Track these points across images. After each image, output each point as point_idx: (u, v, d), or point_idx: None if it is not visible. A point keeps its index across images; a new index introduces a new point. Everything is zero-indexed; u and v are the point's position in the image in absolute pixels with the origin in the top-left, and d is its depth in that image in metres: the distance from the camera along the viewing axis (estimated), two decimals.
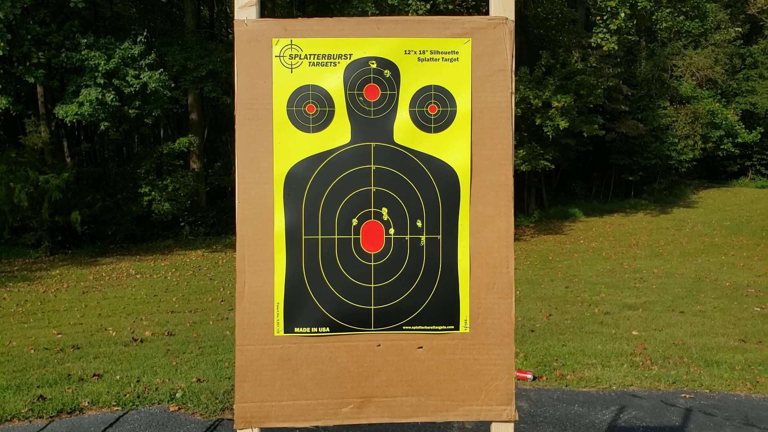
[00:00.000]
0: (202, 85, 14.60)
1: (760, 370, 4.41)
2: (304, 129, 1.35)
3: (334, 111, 1.35)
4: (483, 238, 1.36)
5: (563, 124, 15.09)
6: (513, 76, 1.37)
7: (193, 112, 16.48)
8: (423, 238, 1.35)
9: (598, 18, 14.71)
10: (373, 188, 1.35)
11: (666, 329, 6.17)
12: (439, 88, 1.35)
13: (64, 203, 14.76)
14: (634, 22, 14.98)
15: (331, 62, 1.35)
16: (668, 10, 15.63)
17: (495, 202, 1.36)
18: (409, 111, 1.35)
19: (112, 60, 13.21)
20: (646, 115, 21.92)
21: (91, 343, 6.04)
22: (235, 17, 1.36)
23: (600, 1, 14.09)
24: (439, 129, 1.35)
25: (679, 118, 22.89)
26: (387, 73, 1.35)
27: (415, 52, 1.35)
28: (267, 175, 1.35)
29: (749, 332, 6.02)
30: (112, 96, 13.11)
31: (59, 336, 6.44)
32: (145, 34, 14.45)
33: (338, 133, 1.35)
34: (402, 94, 1.35)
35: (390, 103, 1.35)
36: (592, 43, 14.99)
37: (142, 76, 13.35)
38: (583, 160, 21.96)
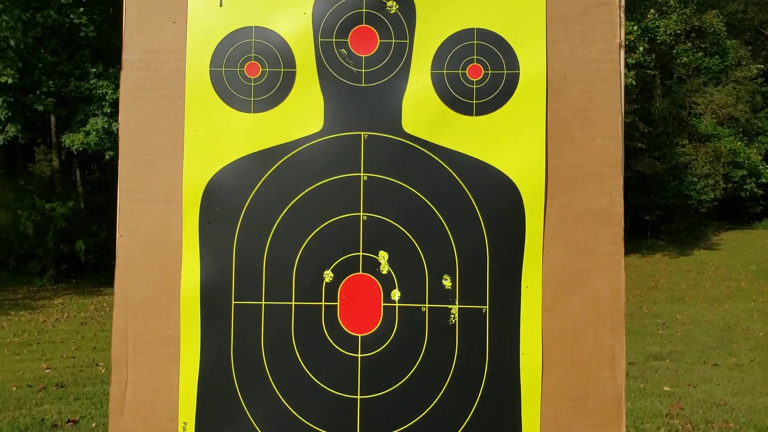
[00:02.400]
0: None
1: None
2: (241, 105, 0.74)
3: (294, 73, 0.74)
4: (568, 311, 0.73)
5: None
6: (623, 16, 0.75)
7: None
8: (455, 309, 0.72)
9: None
10: (362, 215, 0.73)
11: (701, 385, 5.41)
12: (486, 35, 0.74)
13: (69, 232, 14.44)
14: (653, 56, 14.49)
15: None
16: (688, 44, 15.14)
17: (592, 245, 0.73)
18: (432, 75, 0.73)
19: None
20: (663, 153, 21.30)
21: (77, 380, 5.59)
22: None
23: None
24: (486, 108, 0.73)
25: (698, 156, 22.22)
26: (392, 6, 0.74)
27: None
28: (170, 188, 0.74)
29: None
30: (118, 125, 12.79)
31: (48, 371, 6.05)
32: None
33: (301, 114, 0.74)
34: (419, 45, 0.74)
35: (397, 59, 0.74)
36: None
37: None
38: None
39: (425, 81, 0.74)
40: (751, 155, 23.97)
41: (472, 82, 0.74)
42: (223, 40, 0.75)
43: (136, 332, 0.74)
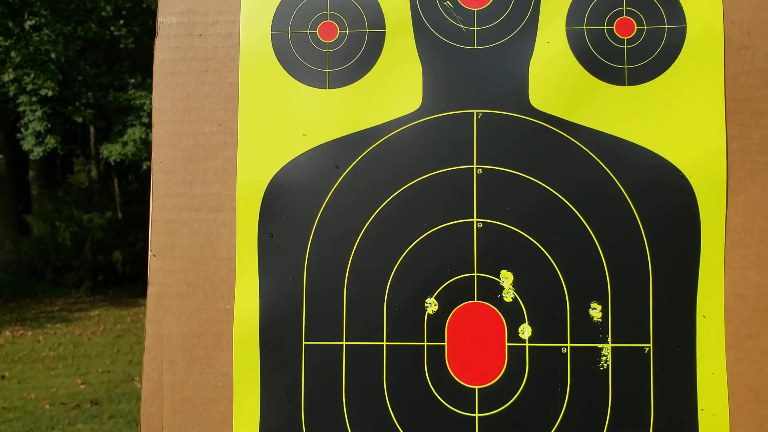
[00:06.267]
0: None
1: None
2: (313, 79, 0.56)
3: (383, 35, 0.56)
4: (763, 349, 0.53)
5: None
6: None
7: None
8: (607, 350, 0.53)
9: None
10: (476, 221, 0.54)
11: None
12: None
13: (106, 242, 14.61)
14: None
15: None
16: None
17: None
18: (568, 32, 0.55)
19: None
20: None
21: (112, 397, 5.54)
22: None
23: None
24: (642, 75, 0.54)
25: None
26: None
27: None
28: (220, 190, 0.56)
29: None
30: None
31: (82, 387, 6.04)
32: None
33: (392, 88, 0.55)
34: None
35: (520, 13, 0.55)
36: None
37: None
38: None
39: (559, 40, 0.55)
40: None
41: (622, 41, 0.55)
42: None
43: (174, 384, 0.56)
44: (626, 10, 0.55)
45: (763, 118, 0.55)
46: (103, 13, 11.97)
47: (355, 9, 0.56)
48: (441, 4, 0.56)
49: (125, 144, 13.34)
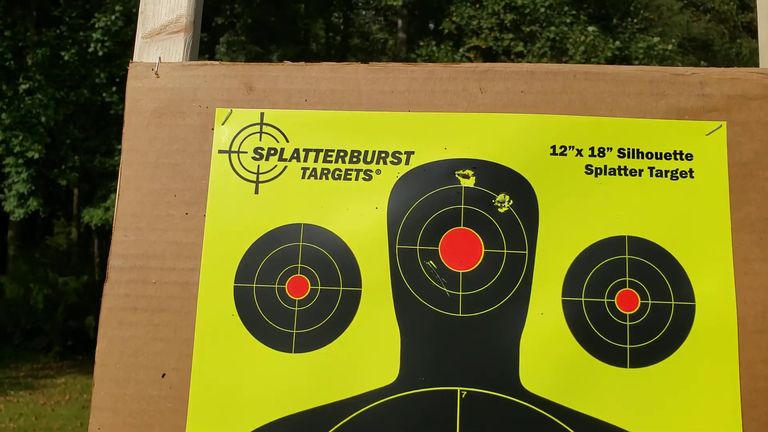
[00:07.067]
0: None
1: None
2: (277, 341, 0.49)
3: (358, 295, 0.50)
4: None
5: None
6: None
7: None
8: None
9: None
10: None
11: None
12: (642, 247, 0.50)
13: (80, 306, 14.22)
14: None
15: (355, 171, 0.52)
16: None
17: None
18: (564, 304, 0.49)
19: None
20: None
21: None
22: (135, 57, 0.56)
23: None
24: (646, 356, 0.48)
25: None
26: (504, 201, 0.51)
27: (578, 153, 0.51)
28: None
29: None
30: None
31: None
32: None
33: (366, 356, 0.49)
34: (543, 258, 0.50)
35: (511, 279, 0.50)
36: None
37: None
38: None
39: (554, 312, 0.49)
40: None
41: (624, 317, 0.49)
42: (256, 242, 0.51)
43: None
44: (629, 281, 0.50)
45: None
46: (97, 80, 12.13)
47: (329, 264, 0.51)
48: (423, 264, 0.50)
49: (107, 209, 13.24)
